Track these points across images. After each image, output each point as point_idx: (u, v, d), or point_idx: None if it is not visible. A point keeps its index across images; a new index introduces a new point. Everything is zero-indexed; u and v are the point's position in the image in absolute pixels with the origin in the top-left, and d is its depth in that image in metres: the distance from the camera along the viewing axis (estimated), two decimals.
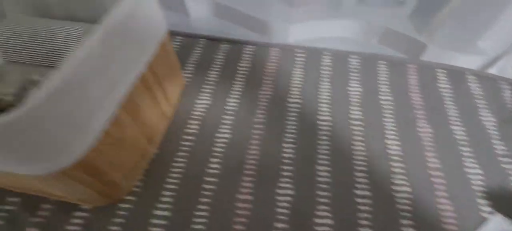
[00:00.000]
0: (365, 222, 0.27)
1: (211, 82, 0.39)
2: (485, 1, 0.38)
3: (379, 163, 0.31)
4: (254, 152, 0.32)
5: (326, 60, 0.41)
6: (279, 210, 0.28)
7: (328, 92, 0.37)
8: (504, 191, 0.29)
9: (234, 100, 0.37)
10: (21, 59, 0.32)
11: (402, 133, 0.33)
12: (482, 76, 0.39)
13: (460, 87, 0.38)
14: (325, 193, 0.29)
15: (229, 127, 0.35)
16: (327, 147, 0.32)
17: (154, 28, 0.28)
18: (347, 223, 0.27)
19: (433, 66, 0.40)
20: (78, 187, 0.24)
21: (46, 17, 0.35)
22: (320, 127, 0.34)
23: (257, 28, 0.52)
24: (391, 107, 0.36)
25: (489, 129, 0.34)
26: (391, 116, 0.35)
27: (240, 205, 0.29)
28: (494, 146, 0.32)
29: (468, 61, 0.44)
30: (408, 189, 0.29)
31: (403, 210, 0.28)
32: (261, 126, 0.34)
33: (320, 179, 0.30)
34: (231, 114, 0.36)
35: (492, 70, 0.45)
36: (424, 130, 0.34)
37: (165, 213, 0.28)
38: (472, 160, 0.31)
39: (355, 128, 0.34)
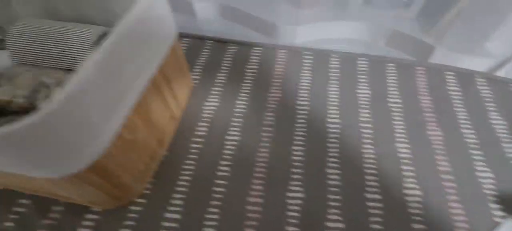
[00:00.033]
0: (376, 226, 0.27)
1: (219, 84, 0.39)
2: (493, 2, 0.38)
3: (389, 166, 0.31)
4: (263, 154, 0.32)
5: (334, 62, 0.41)
6: (290, 213, 0.28)
7: (337, 95, 0.37)
8: None
9: (243, 102, 0.37)
10: (31, 61, 0.32)
11: (412, 136, 0.33)
12: (491, 79, 0.39)
13: (469, 90, 0.38)
14: (335, 197, 0.29)
15: (238, 129, 0.34)
16: (336, 150, 0.32)
17: (166, 31, 0.28)
18: (358, 227, 0.27)
19: (441, 68, 0.40)
20: (90, 189, 0.24)
21: (57, 19, 0.35)
22: (330, 130, 0.34)
23: (264, 30, 0.52)
24: (400, 110, 0.36)
25: (499, 132, 0.33)
26: (400, 118, 0.35)
27: (250, 208, 0.29)
28: (505, 149, 0.32)
29: (476, 63, 0.44)
30: (419, 193, 0.29)
31: (414, 214, 0.28)
32: (270, 129, 0.34)
33: (330, 182, 0.30)
34: (239, 117, 0.36)
35: (501, 73, 0.45)
36: (434, 133, 0.33)
37: (176, 215, 0.28)
38: (483, 163, 0.31)
39: (364, 130, 0.34)
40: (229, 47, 0.44)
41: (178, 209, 0.29)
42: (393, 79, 0.39)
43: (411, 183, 0.30)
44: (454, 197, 0.29)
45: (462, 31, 0.42)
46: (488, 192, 0.29)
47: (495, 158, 0.31)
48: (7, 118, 0.30)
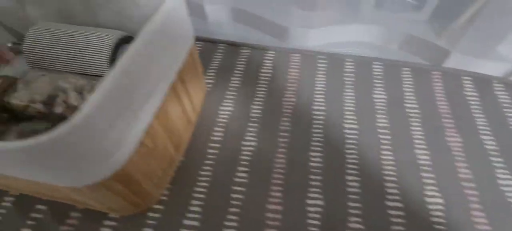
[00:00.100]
0: None
1: (233, 89, 0.39)
2: (506, 6, 0.38)
3: (409, 173, 0.31)
4: (281, 160, 0.32)
5: (349, 66, 0.41)
6: (310, 221, 0.28)
7: (353, 99, 0.37)
8: None
9: (258, 107, 0.37)
10: (47, 66, 0.32)
11: (431, 143, 0.33)
12: (509, 84, 0.38)
13: (487, 95, 0.37)
14: (356, 204, 0.29)
15: (254, 134, 0.34)
16: (355, 156, 0.32)
17: (185, 35, 0.28)
18: None
19: (458, 73, 0.40)
20: (111, 197, 0.24)
21: (72, 23, 0.34)
22: (347, 136, 0.34)
23: (275, 33, 0.51)
24: (417, 115, 0.35)
25: None
26: (418, 124, 0.34)
27: (270, 215, 0.28)
28: None
29: (491, 67, 0.44)
30: (440, 201, 0.29)
31: (436, 223, 0.28)
32: (286, 134, 0.34)
33: (350, 189, 0.30)
34: (255, 122, 0.35)
35: None
36: (453, 139, 0.33)
37: (194, 222, 0.28)
38: (504, 171, 0.31)
39: (382, 136, 0.33)
40: (242, 50, 0.44)
41: (196, 216, 0.29)
42: (409, 84, 0.39)
43: (432, 190, 0.29)
44: (476, 205, 0.28)
45: (475, 34, 0.42)
46: (511, 200, 0.29)
47: None
48: (25, 123, 0.29)
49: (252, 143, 0.33)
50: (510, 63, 0.43)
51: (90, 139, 0.18)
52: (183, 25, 0.27)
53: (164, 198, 0.30)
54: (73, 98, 0.29)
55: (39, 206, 0.29)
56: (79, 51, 0.31)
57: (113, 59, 0.31)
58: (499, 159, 0.31)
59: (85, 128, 0.17)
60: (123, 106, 0.19)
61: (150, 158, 0.25)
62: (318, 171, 0.31)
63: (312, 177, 0.31)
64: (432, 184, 0.30)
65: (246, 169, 0.31)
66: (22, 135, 0.30)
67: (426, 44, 0.46)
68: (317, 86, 0.39)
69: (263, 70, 0.41)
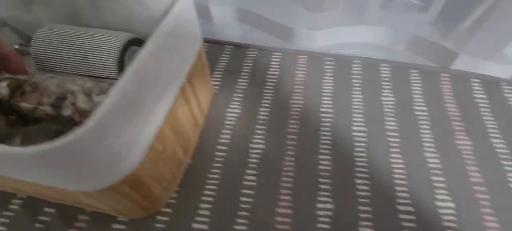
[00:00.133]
0: None
1: (240, 90, 0.38)
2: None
3: (419, 176, 0.30)
4: (289, 163, 0.32)
5: (356, 68, 0.41)
6: (320, 225, 0.28)
7: (361, 102, 0.37)
8: None
9: (265, 109, 0.36)
10: (56, 68, 0.32)
11: (441, 145, 0.33)
12: None
13: (496, 98, 0.37)
14: (366, 208, 0.28)
15: (262, 137, 0.34)
16: (364, 159, 0.32)
17: (194, 37, 0.28)
18: None
19: (466, 75, 0.39)
20: (121, 200, 0.24)
21: (80, 25, 0.34)
22: (356, 138, 0.33)
23: (281, 34, 0.51)
24: (427, 118, 0.35)
25: None
26: (427, 127, 0.34)
27: (279, 219, 0.28)
28: None
29: (498, 70, 0.43)
30: (452, 205, 0.28)
31: (448, 227, 0.27)
32: (294, 137, 0.34)
33: (359, 193, 0.29)
34: (263, 124, 0.35)
35: None
36: (463, 142, 0.33)
37: (203, 226, 0.28)
38: None
39: (391, 139, 0.33)
40: (248, 52, 0.43)
41: (205, 219, 0.28)
42: (417, 86, 0.38)
43: (443, 194, 0.29)
44: (488, 210, 0.28)
45: (483, 36, 0.42)
46: None
47: None
48: (32, 126, 0.29)
49: (260, 146, 0.33)
50: None
51: (103, 144, 0.17)
52: (192, 27, 0.27)
53: (173, 201, 0.30)
54: (81, 101, 0.29)
55: (47, 209, 0.29)
56: (87, 53, 0.30)
57: (121, 61, 0.30)
58: (510, 162, 0.31)
59: (99, 132, 0.17)
60: (135, 110, 0.19)
61: (159, 161, 0.25)
62: (327, 174, 0.31)
63: (321, 180, 0.30)
64: (443, 188, 0.30)
65: (255, 172, 0.31)
66: (29, 138, 0.30)
67: (433, 46, 0.46)
68: (324, 88, 0.38)
69: (269, 72, 0.41)
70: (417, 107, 0.36)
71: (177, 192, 0.30)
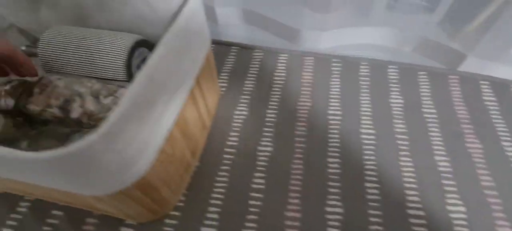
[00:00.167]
0: None
1: (247, 92, 0.38)
2: None
3: (430, 180, 0.30)
4: (298, 166, 0.31)
5: (364, 70, 0.40)
6: (330, 229, 0.27)
7: (369, 104, 0.36)
8: None
9: (273, 111, 0.36)
10: (63, 70, 0.32)
11: (451, 149, 0.32)
12: None
13: (505, 100, 0.36)
14: (376, 212, 0.28)
15: (269, 139, 0.34)
16: (373, 162, 0.31)
17: (203, 40, 0.27)
18: None
19: (475, 77, 0.39)
20: (131, 204, 0.23)
21: (87, 26, 0.34)
22: (364, 141, 0.33)
23: (286, 35, 0.51)
24: (436, 120, 0.35)
25: None
26: (437, 130, 0.34)
27: (289, 223, 0.28)
28: None
29: (507, 71, 0.43)
30: (463, 209, 0.28)
31: None
32: (302, 139, 0.34)
33: (369, 196, 0.29)
34: (270, 126, 0.35)
35: None
36: (474, 145, 0.32)
37: (212, 230, 0.28)
38: None
39: (401, 142, 0.33)
40: (254, 53, 0.43)
41: (213, 223, 0.28)
42: (425, 88, 0.38)
43: (454, 198, 0.29)
44: (500, 214, 0.28)
45: (491, 38, 0.41)
46: None
47: None
48: (43, 129, 0.29)
49: (268, 148, 0.33)
50: None
51: (116, 148, 0.17)
52: (201, 29, 0.27)
53: (181, 204, 0.29)
54: (89, 103, 0.29)
55: (55, 212, 0.29)
56: (95, 55, 0.30)
57: (128, 63, 0.30)
58: None
59: (112, 137, 0.16)
60: (147, 113, 0.19)
61: (169, 164, 0.25)
62: (336, 177, 0.31)
63: (330, 183, 0.30)
64: (454, 192, 0.29)
65: (263, 175, 0.31)
66: (36, 141, 0.30)
67: (440, 47, 0.46)
68: (332, 90, 0.38)
69: (276, 74, 0.40)
70: (426, 110, 0.36)
71: (185, 195, 0.30)
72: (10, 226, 0.28)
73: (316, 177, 0.31)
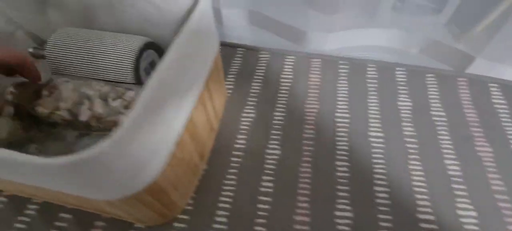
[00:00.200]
0: None
1: (254, 94, 0.38)
2: None
3: (439, 184, 0.30)
4: (306, 169, 0.31)
5: (371, 72, 0.40)
6: None
7: (377, 106, 0.36)
8: None
9: (280, 113, 0.36)
10: (71, 73, 0.32)
11: (460, 153, 0.32)
12: None
13: None
14: (386, 216, 0.28)
15: (277, 142, 0.34)
16: (383, 166, 0.31)
17: (212, 42, 0.27)
18: None
19: (484, 80, 0.39)
20: (140, 208, 0.23)
21: (95, 28, 0.34)
22: (373, 144, 0.33)
23: (292, 37, 0.51)
24: (445, 124, 0.34)
25: None
26: (446, 133, 0.33)
27: (298, 227, 0.28)
28: None
29: (507, 73, 0.42)
30: (474, 214, 0.28)
31: None
32: (310, 142, 0.33)
33: (379, 200, 0.29)
34: (278, 129, 0.35)
35: None
36: (484, 149, 0.32)
37: None
38: None
39: (410, 145, 0.33)
40: (261, 55, 0.43)
41: (222, 226, 0.28)
42: (434, 90, 0.38)
43: (464, 203, 0.29)
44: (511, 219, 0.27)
45: (499, 39, 0.41)
46: None
47: None
48: (51, 132, 0.29)
49: (276, 151, 0.33)
50: None
51: (129, 153, 0.17)
52: (211, 31, 0.26)
53: (189, 208, 0.29)
54: (98, 106, 0.29)
55: (64, 215, 0.29)
56: (103, 57, 0.30)
57: (137, 65, 0.30)
58: None
59: (126, 143, 0.16)
60: (159, 118, 0.19)
61: (178, 168, 0.25)
62: (345, 181, 0.30)
63: (339, 187, 0.30)
64: (464, 196, 0.29)
65: (271, 178, 0.31)
66: (44, 145, 0.30)
67: (448, 49, 0.45)
68: (339, 93, 0.38)
69: (283, 76, 0.40)
70: (434, 113, 0.35)
71: (193, 198, 0.30)
72: (19, 229, 0.28)
73: (325, 181, 0.30)
